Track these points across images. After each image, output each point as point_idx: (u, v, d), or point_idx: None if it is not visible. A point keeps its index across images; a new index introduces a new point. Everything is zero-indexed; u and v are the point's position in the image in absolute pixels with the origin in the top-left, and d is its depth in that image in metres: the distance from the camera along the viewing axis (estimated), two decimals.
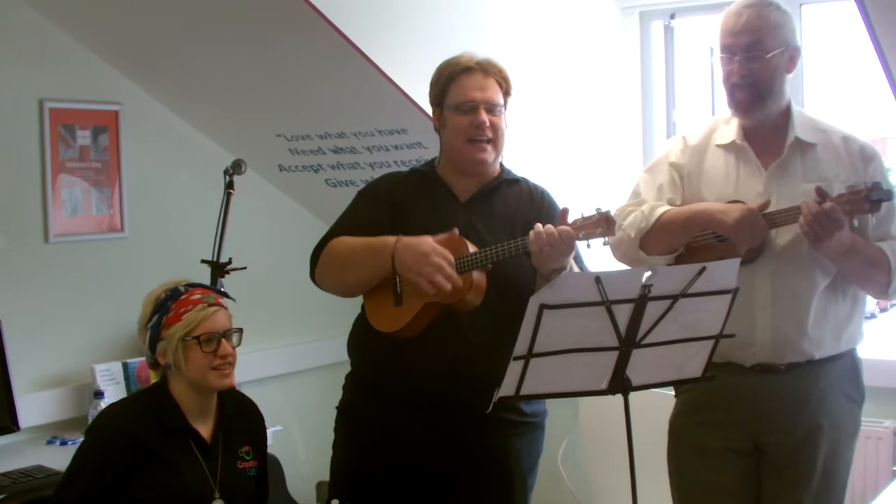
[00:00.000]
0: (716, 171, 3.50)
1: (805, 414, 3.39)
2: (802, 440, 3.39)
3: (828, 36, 5.42)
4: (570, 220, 3.23)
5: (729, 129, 3.53)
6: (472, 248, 3.30)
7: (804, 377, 3.40)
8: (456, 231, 3.31)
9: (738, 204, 3.35)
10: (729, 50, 3.40)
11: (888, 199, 3.23)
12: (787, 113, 3.48)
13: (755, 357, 3.37)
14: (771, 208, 3.32)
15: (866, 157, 3.46)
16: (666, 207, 3.46)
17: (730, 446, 3.45)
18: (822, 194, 3.20)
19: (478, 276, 3.28)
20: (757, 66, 3.36)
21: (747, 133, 3.48)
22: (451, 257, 3.25)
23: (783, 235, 3.35)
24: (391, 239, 3.33)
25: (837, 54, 5.49)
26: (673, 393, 3.66)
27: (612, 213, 3.44)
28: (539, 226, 3.20)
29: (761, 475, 3.47)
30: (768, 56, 3.35)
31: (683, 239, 3.44)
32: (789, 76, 3.46)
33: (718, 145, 3.53)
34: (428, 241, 3.27)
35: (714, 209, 3.38)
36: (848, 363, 3.51)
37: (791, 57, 3.42)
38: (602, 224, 3.16)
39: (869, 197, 3.18)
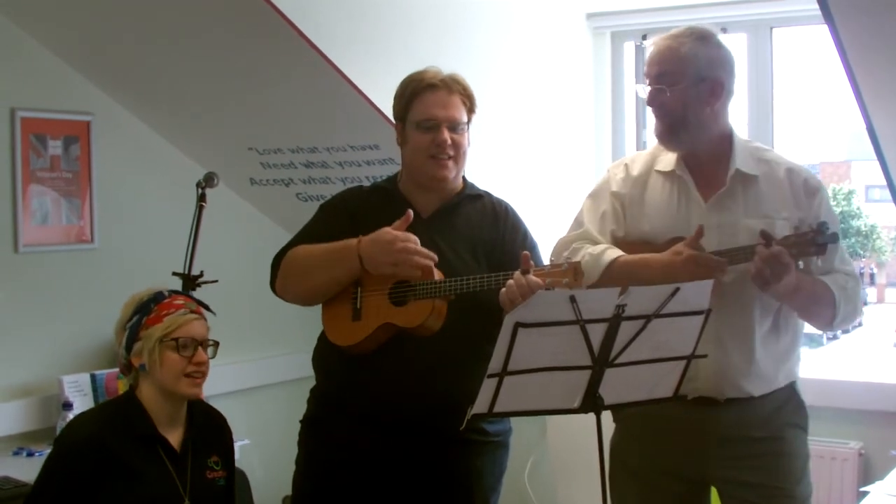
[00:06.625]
0: (658, 200, 3.44)
1: (748, 443, 3.36)
2: (753, 469, 3.35)
3: (799, 59, 5.48)
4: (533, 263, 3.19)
5: (670, 155, 3.46)
6: (437, 275, 3.27)
7: (743, 408, 3.36)
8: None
9: (678, 251, 3.24)
10: (644, 79, 3.43)
11: (834, 242, 3.20)
12: (728, 142, 3.42)
13: (697, 391, 3.30)
14: (712, 243, 3.27)
15: (810, 190, 3.38)
16: (616, 254, 3.36)
17: (668, 475, 3.42)
18: (767, 238, 3.15)
19: (439, 303, 3.26)
20: (663, 99, 3.34)
21: (687, 162, 3.43)
22: (413, 236, 3.23)
23: (726, 276, 3.25)
24: (352, 241, 3.31)
25: (808, 77, 5.54)
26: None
27: (556, 244, 3.47)
28: (511, 283, 3.12)
29: None
30: (672, 89, 3.32)
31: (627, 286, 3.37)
32: (717, 108, 3.36)
33: (659, 171, 3.47)
34: (386, 230, 3.25)
35: (663, 263, 3.26)
36: (788, 393, 3.45)
37: (712, 90, 3.34)
38: (570, 275, 3.10)
39: (815, 240, 3.16)
